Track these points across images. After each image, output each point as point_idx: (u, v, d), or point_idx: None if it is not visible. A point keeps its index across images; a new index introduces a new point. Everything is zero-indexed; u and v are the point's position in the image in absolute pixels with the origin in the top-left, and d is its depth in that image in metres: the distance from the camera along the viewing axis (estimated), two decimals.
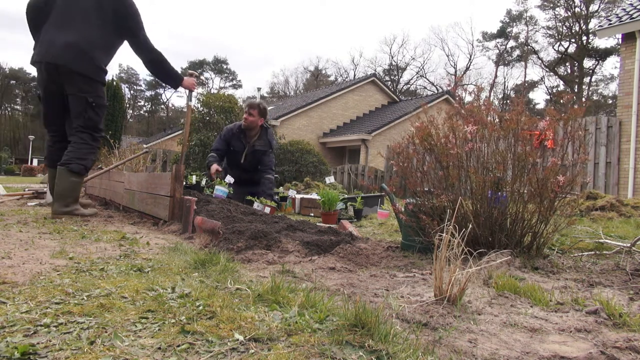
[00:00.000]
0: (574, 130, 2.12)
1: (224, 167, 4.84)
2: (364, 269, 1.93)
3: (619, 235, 3.09)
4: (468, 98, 2.47)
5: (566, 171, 2.14)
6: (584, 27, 34.61)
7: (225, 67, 55.41)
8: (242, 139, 4.72)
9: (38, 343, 0.89)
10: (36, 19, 3.43)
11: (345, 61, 71.95)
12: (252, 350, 0.90)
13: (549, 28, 37.33)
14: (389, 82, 41.73)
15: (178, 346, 0.91)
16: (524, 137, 2.16)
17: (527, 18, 38.66)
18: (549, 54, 39.37)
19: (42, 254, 1.85)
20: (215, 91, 37.59)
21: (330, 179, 8.45)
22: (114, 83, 13.62)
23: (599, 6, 33.08)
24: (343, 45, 79.80)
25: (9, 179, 18.20)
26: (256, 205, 4.13)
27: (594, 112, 29.76)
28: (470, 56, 45.20)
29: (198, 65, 52.48)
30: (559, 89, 37.73)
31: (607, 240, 2.54)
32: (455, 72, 42.65)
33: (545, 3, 36.23)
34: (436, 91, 38.05)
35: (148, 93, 56.43)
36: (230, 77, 55.85)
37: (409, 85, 45.47)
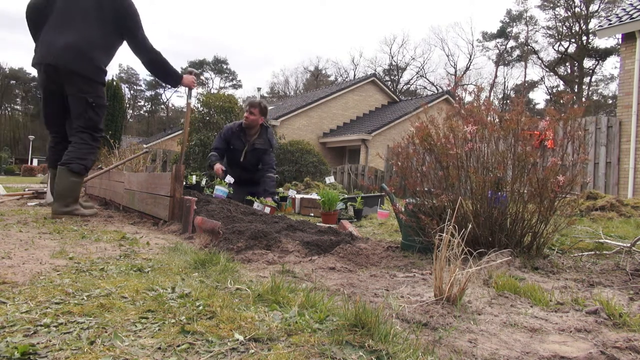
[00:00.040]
0: (574, 130, 2.12)
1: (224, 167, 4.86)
2: (364, 269, 1.93)
3: (619, 235, 3.09)
4: (468, 98, 2.47)
5: (566, 171, 2.14)
6: (584, 27, 34.62)
7: (225, 67, 55.42)
8: (242, 137, 4.73)
9: (38, 343, 0.89)
10: (36, 20, 3.44)
11: (345, 61, 72.02)
12: (252, 350, 0.90)
13: (549, 28, 37.37)
14: (389, 82, 41.74)
15: (178, 346, 0.91)
16: (524, 137, 2.16)
17: (527, 18, 38.70)
18: (549, 54, 39.43)
19: (42, 254, 1.85)
20: (215, 91, 37.60)
21: (330, 179, 8.45)
22: (114, 83, 13.61)
23: (599, 6, 33.12)
24: (343, 45, 79.88)
25: (9, 179, 18.20)
26: (256, 205, 4.14)
27: (594, 112, 29.76)
28: (470, 56, 45.25)
29: (198, 65, 52.45)
30: (559, 89, 37.75)
31: (607, 240, 2.54)
32: (455, 72, 42.68)
33: (545, 3, 36.25)
34: (436, 91, 38.06)
35: (148, 93, 56.48)
36: (230, 77, 55.86)
37: (409, 85, 45.52)
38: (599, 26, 9.69)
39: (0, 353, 0.84)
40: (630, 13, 8.92)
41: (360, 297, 1.37)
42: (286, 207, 5.39)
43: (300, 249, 2.20)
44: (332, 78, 48.43)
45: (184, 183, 3.67)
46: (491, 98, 35.74)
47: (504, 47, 40.91)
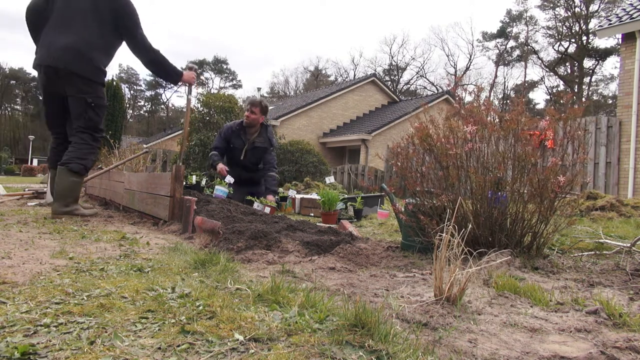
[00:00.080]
0: (574, 130, 2.12)
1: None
2: (364, 269, 1.93)
3: (619, 235, 3.09)
4: (468, 98, 2.47)
5: (566, 171, 2.14)
6: (584, 27, 34.62)
7: (225, 67, 55.42)
8: (242, 136, 4.75)
9: (38, 343, 0.89)
10: (35, 22, 3.46)
11: (345, 61, 72.03)
12: (252, 350, 0.90)
13: (549, 28, 37.37)
14: (389, 82, 41.74)
15: (178, 346, 0.91)
16: (524, 138, 2.16)
17: (527, 18, 38.71)
18: (549, 54, 39.43)
19: (42, 254, 1.85)
20: (215, 91, 37.63)
21: (330, 179, 8.45)
22: (114, 83, 13.61)
23: (599, 6, 33.12)
24: (343, 45, 79.87)
25: (9, 179, 18.20)
26: (256, 205, 4.14)
27: (594, 112, 29.77)
28: (470, 56, 45.23)
29: (198, 66, 52.41)
30: (559, 89, 37.74)
31: (607, 240, 2.54)
32: (455, 72, 42.68)
33: (545, 3, 36.25)
34: (436, 91, 38.07)
35: (148, 93, 56.49)
36: (230, 77, 55.86)
37: (409, 85, 45.51)
38: (599, 26, 9.69)
39: (0, 353, 0.83)
40: (630, 13, 8.92)
41: (360, 297, 1.37)
42: (286, 207, 5.39)
43: (300, 249, 2.20)
44: (332, 78, 48.46)
45: (184, 183, 3.67)
46: (491, 98, 35.74)
47: (504, 47, 40.94)
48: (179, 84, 3.74)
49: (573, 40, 35.98)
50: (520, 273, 1.84)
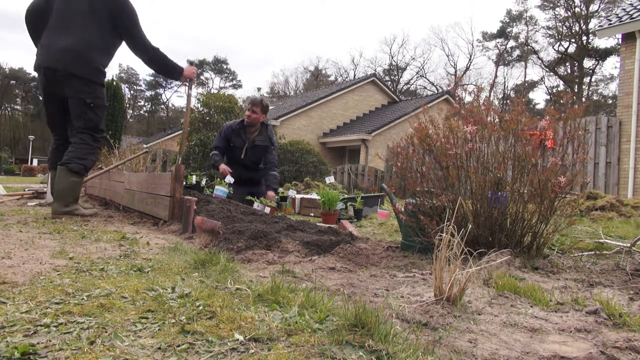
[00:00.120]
0: (574, 130, 2.12)
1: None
2: (364, 269, 1.93)
3: (619, 235, 3.09)
4: (468, 98, 2.47)
5: (566, 171, 2.14)
6: (584, 27, 34.62)
7: (225, 67, 55.41)
8: (243, 134, 4.76)
9: (38, 343, 0.89)
10: (35, 24, 3.47)
11: (345, 61, 72.04)
12: (252, 350, 0.90)
13: (549, 28, 37.37)
14: (389, 82, 41.74)
15: (178, 346, 0.91)
16: (524, 138, 2.16)
17: (527, 18, 38.70)
18: (549, 54, 39.42)
19: (42, 254, 1.85)
20: (215, 91, 37.60)
21: (330, 179, 8.45)
22: (114, 83, 13.61)
23: (599, 6, 33.11)
24: (343, 45, 79.87)
25: (9, 179, 18.19)
26: (256, 205, 4.14)
27: (594, 112, 29.76)
28: (470, 56, 45.23)
29: (198, 66, 52.41)
30: (559, 89, 37.74)
31: (607, 240, 2.54)
32: (455, 72, 42.68)
33: (545, 3, 36.24)
34: (436, 91, 38.07)
35: (148, 93, 56.48)
36: (230, 77, 55.86)
37: (409, 85, 45.51)
38: (599, 26, 9.69)
39: (0, 353, 0.83)
40: (630, 13, 8.92)
41: (360, 297, 1.37)
42: (286, 207, 5.40)
43: (300, 249, 2.20)
44: (332, 78, 48.46)
45: (184, 183, 3.67)
46: (491, 98, 35.72)
47: (504, 47, 40.93)
48: (181, 79, 3.75)
49: (573, 40, 35.99)
50: (520, 273, 1.84)
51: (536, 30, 38.73)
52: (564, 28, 36.29)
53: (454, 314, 1.24)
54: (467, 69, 41.94)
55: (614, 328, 1.18)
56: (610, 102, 34.49)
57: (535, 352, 0.98)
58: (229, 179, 4.24)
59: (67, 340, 0.92)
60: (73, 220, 3.17)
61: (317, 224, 3.18)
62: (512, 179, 2.19)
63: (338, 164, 18.67)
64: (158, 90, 55.26)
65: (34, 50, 3.50)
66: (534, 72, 67.02)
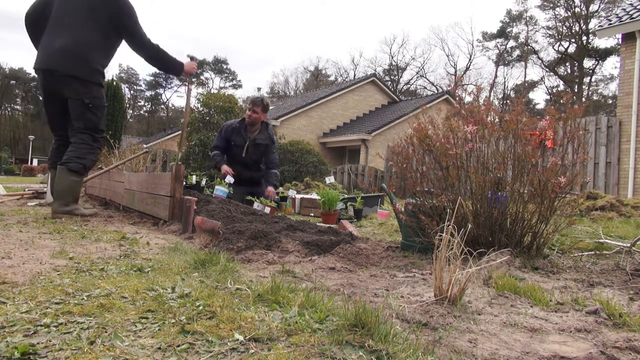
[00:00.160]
0: (574, 130, 2.12)
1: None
2: (364, 269, 1.93)
3: (619, 235, 3.09)
4: (468, 98, 2.47)
5: (566, 171, 2.14)
6: (584, 27, 34.62)
7: (225, 67, 55.41)
8: (244, 133, 4.77)
9: (38, 343, 0.89)
10: (34, 27, 3.49)
11: (345, 61, 72.06)
12: (252, 350, 0.90)
13: (549, 28, 37.38)
14: (389, 82, 41.74)
15: (178, 346, 0.91)
16: (524, 137, 2.16)
17: (527, 18, 38.71)
18: (549, 54, 39.43)
19: (42, 254, 1.85)
20: (215, 91, 37.61)
21: (330, 179, 8.45)
22: (114, 83, 13.62)
23: (599, 6, 33.12)
24: (343, 45, 79.89)
25: (9, 179, 18.20)
26: (256, 205, 4.14)
27: (594, 112, 29.76)
28: (470, 56, 45.25)
29: (198, 66, 52.35)
30: (559, 89, 37.74)
31: (607, 240, 2.54)
32: (455, 72, 42.68)
33: (545, 3, 36.24)
34: (436, 91, 38.06)
35: (148, 93, 56.50)
36: (230, 77, 55.86)
37: (409, 85, 45.51)
38: (599, 26, 9.69)
39: (0, 353, 0.83)
40: (630, 13, 8.92)
41: (360, 297, 1.37)
42: (286, 207, 5.39)
43: (300, 249, 2.20)
44: (332, 78, 48.46)
45: (184, 183, 3.68)
46: (491, 98, 35.73)
47: (504, 47, 40.94)
48: (182, 74, 3.78)
49: (573, 40, 35.99)
50: (520, 273, 1.84)
51: (536, 30, 38.79)
52: (564, 28, 36.32)
53: (454, 314, 1.24)
54: (467, 69, 41.98)
55: (614, 328, 1.18)
56: (610, 102, 34.49)
57: (535, 352, 0.98)
58: (229, 179, 4.24)
59: (67, 340, 0.92)
60: (73, 220, 3.17)
61: (317, 224, 3.18)
62: (512, 179, 2.19)
63: (338, 164, 18.67)
64: (158, 90, 55.32)
65: (34, 50, 3.51)
66: (534, 72, 67.09)
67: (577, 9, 34.84)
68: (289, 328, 1.03)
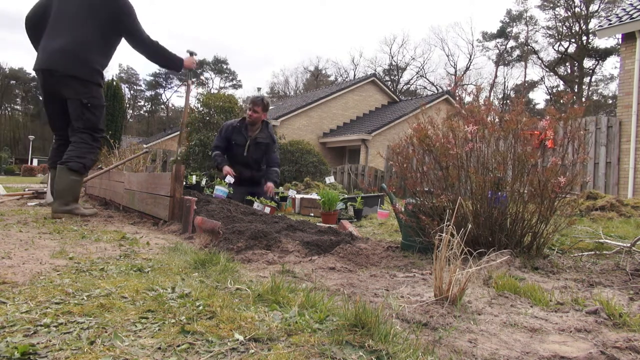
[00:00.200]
0: (574, 130, 2.12)
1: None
2: (364, 269, 1.93)
3: (619, 235, 3.09)
4: (468, 98, 2.47)
5: (566, 171, 2.14)
6: (584, 27, 34.62)
7: (225, 67, 55.41)
8: (244, 132, 4.77)
9: (38, 343, 0.89)
10: (35, 29, 3.51)
11: (345, 61, 72.03)
12: (252, 350, 0.90)
13: (549, 28, 37.37)
14: (389, 82, 41.74)
15: (178, 346, 0.91)
16: (524, 137, 2.16)
17: (527, 18, 38.70)
18: (549, 54, 39.42)
19: (42, 254, 1.85)
20: (215, 91, 37.60)
21: (330, 179, 8.45)
22: (114, 83, 13.62)
23: (599, 6, 33.12)
24: (343, 45, 79.89)
25: (9, 179, 18.20)
26: (256, 205, 4.14)
27: (594, 112, 29.76)
28: (470, 56, 45.25)
29: (198, 66, 52.36)
30: (559, 89, 37.74)
31: (607, 240, 2.54)
32: (455, 72, 42.68)
33: (545, 3, 36.24)
34: (436, 91, 38.06)
35: (148, 93, 56.52)
36: (230, 77, 55.85)
37: (409, 85, 45.51)
38: (599, 26, 9.69)
39: (0, 353, 0.83)
40: (630, 13, 8.92)
41: (360, 297, 1.37)
42: (286, 207, 5.40)
43: (300, 249, 2.20)
44: (332, 78, 48.45)
45: (184, 183, 3.68)
46: (491, 98, 35.70)
47: (504, 47, 40.93)
48: (182, 70, 3.80)
49: (573, 40, 35.98)
50: (520, 273, 1.84)
51: (536, 30, 38.78)
52: (564, 28, 36.31)
53: (454, 314, 1.24)
54: (467, 69, 41.97)
55: (614, 328, 1.18)
56: (610, 102, 34.48)
57: (535, 352, 0.98)
58: (229, 179, 4.24)
59: (67, 340, 0.92)
60: (73, 220, 3.17)
61: (317, 224, 3.18)
62: (512, 179, 2.19)
63: (338, 164, 18.67)
64: (158, 90, 55.34)
65: (34, 51, 3.52)
66: (534, 72, 67.07)
67: (577, 9, 34.86)
68: (289, 328, 1.03)
